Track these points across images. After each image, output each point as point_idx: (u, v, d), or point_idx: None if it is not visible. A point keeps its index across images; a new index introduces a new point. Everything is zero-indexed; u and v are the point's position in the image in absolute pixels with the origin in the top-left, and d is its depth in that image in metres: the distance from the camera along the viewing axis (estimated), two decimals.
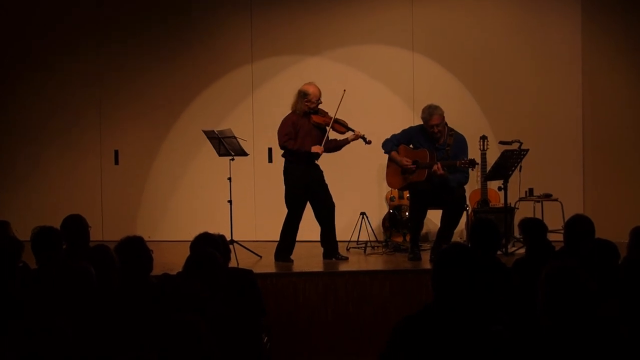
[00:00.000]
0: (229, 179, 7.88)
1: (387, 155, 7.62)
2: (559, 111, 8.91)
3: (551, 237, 5.37)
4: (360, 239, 8.36)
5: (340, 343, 6.78)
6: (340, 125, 7.52)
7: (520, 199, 8.33)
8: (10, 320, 3.80)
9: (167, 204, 9.52)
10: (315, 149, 7.40)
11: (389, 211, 8.70)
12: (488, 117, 8.96)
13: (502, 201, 7.83)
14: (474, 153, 7.94)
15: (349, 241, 8.24)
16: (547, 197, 8.34)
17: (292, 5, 9.28)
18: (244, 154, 7.96)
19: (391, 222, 8.61)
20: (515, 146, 7.98)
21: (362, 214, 8.46)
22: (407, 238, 8.12)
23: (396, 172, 7.56)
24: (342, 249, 7.78)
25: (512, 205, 8.18)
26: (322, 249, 7.57)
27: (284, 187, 7.57)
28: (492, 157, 8.00)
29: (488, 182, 8.37)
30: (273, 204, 8.47)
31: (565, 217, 5.71)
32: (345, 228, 8.26)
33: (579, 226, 5.08)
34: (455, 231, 7.63)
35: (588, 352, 3.11)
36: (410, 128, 7.68)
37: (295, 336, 6.75)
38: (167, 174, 9.52)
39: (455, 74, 9.03)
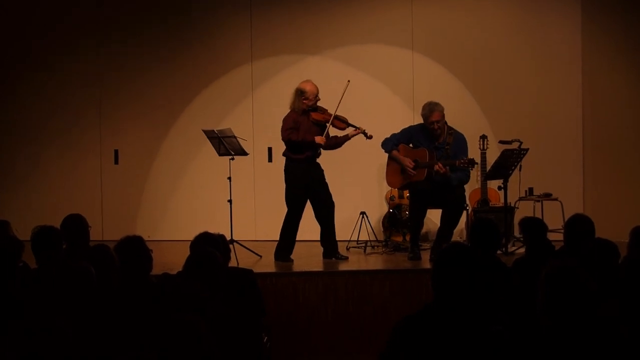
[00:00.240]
0: (229, 178, 7.88)
1: (386, 155, 7.62)
2: (559, 111, 8.91)
3: (551, 236, 5.36)
4: (360, 239, 8.36)
5: (340, 343, 6.78)
6: (340, 122, 7.51)
7: (520, 199, 8.34)
8: (10, 320, 3.80)
9: (167, 204, 9.53)
10: (318, 139, 7.40)
11: (388, 210, 8.70)
12: (488, 116, 8.96)
13: (502, 201, 7.83)
14: (473, 152, 7.94)
15: (349, 241, 8.24)
16: (547, 196, 8.35)
17: (291, 4, 9.28)
18: (244, 153, 7.96)
19: (391, 221, 8.61)
20: (515, 146, 7.98)
21: (362, 213, 8.46)
22: (407, 237, 8.12)
23: (396, 172, 7.56)
24: (342, 249, 7.78)
25: (512, 205, 8.18)
26: (322, 249, 7.57)
27: (284, 185, 7.56)
28: (492, 157, 8.00)
29: (488, 182, 8.37)
30: (273, 204, 8.47)
31: (565, 217, 5.71)
32: (345, 227, 8.25)
33: (579, 226, 5.07)
34: (455, 231, 7.63)
35: (588, 352, 3.11)
36: (410, 127, 7.68)
37: (295, 336, 6.75)
38: (167, 173, 9.53)
39: (455, 74, 9.03)
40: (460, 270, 3.33)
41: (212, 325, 3.32)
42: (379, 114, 8.90)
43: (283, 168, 7.59)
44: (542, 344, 3.17)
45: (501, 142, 8.22)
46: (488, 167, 8.10)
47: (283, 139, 7.49)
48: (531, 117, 8.88)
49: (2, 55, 9.68)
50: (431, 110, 7.37)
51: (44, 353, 2.98)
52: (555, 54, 8.91)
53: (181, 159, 9.49)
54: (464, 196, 7.56)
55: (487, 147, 8.43)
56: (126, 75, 9.53)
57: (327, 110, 7.53)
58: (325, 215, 7.49)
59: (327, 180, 7.56)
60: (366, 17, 9.14)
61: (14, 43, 9.68)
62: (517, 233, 7.58)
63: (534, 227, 5.24)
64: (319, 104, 7.52)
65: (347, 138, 7.59)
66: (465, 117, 8.53)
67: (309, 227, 7.72)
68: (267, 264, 7.41)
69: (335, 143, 7.64)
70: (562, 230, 5.31)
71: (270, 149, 9.10)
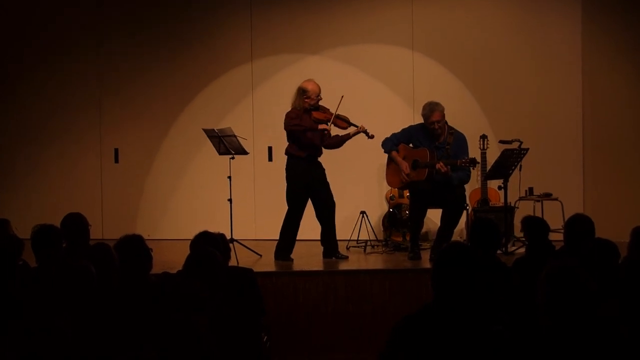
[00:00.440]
0: (229, 177, 7.88)
1: (387, 155, 7.62)
2: (559, 111, 8.91)
3: (551, 236, 5.35)
4: (360, 238, 8.36)
5: (340, 342, 6.78)
6: (342, 121, 7.51)
7: (521, 198, 8.33)
8: (10, 319, 3.80)
9: (167, 203, 9.53)
10: (322, 126, 7.39)
11: (388, 210, 8.70)
12: (488, 116, 8.96)
13: (502, 200, 7.83)
14: (474, 152, 7.93)
15: (349, 240, 8.24)
16: (547, 196, 8.35)
17: (292, 4, 9.28)
18: (244, 152, 7.96)
19: (391, 221, 8.61)
20: (515, 145, 7.98)
21: (362, 212, 8.46)
22: (407, 237, 8.11)
23: (396, 172, 7.56)
24: (342, 248, 7.78)
25: (512, 205, 8.18)
26: (322, 248, 7.57)
27: (284, 184, 7.56)
28: (492, 157, 8.00)
29: (488, 181, 8.37)
30: (273, 203, 8.47)
31: (565, 217, 5.71)
32: (345, 226, 8.25)
33: (579, 226, 5.07)
34: (455, 230, 7.63)
35: (588, 352, 3.11)
36: (410, 127, 7.68)
37: (295, 335, 6.75)
38: (167, 172, 9.53)
39: (455, 74, 9.03)
40: (460, 270, 3.33)
41: (212, 324, 3.32)
42: (379, 113, 8.89)
43: (284, 167, 7.59)
44: (542, 344, 3.17)
45: (501, 142, 8.22)
46: (488, 167, 8.10)
47: (286, 128, 7.46)
48: (531, 117, 8.88)
49: (2, 55, 9.68)
50: (432, 110, 7.37)
51: (43, 352, 2.98)
52: (555, 54, 8.90)
53: (181, 158, 9.49)
54: (464, 196, 7.56)
55: (487, 147, 8.42)
56: (126, 75, 9.53)
57: (328, 109, 7.53)
58: (326, 215, 7.48)
59: (327, 179, 7.56)
60: (366, 16, 9.14)
61: (14, 43, 9.68)
62: (517, 233, 7.57)
63: (536, 227, 5.23)
64: (320, 103, 7.53)
65: (348, 137, 7.57)
66: (465, 116, 8.53)
67: (309, 226, 7.71)
68: (267, 263, 7.41)
69: (336, 142, 7.63)
70: (562, 230, 5.31)
71: (270, 148, 9.10)
